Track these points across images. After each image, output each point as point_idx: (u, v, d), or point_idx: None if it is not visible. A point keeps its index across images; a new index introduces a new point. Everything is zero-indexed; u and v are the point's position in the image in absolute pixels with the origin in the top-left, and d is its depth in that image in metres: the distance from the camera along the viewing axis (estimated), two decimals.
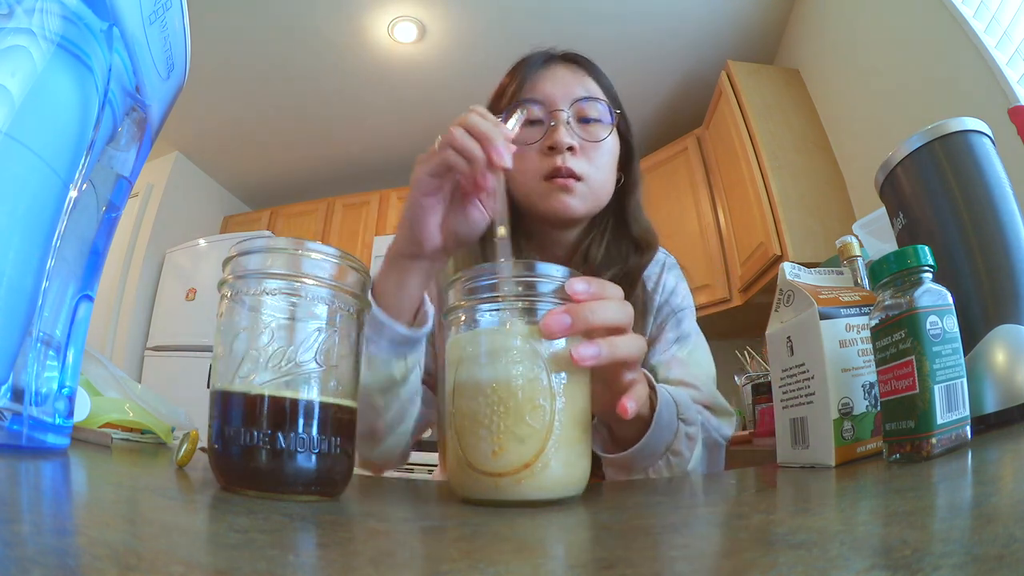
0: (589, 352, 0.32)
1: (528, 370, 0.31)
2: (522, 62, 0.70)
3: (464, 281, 0.34)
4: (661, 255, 0.75)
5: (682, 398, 0.53)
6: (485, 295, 0.33)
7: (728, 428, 0.63)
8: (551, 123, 0.64)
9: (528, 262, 0.34)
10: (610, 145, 0.67)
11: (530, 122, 0.65)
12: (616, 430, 0.49)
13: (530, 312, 0.33)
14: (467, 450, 0.32)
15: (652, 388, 0.47)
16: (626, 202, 0.71)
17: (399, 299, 0.51)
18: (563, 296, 0.33)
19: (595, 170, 0.64)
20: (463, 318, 0.34)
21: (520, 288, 0.33)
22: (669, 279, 0.73)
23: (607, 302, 0.34)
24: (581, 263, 0.68)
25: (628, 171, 0.72)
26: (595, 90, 0.67)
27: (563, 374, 0.32)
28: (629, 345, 0.35)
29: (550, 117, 0.65)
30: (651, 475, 0.51)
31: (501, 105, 0.68)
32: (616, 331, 0.35)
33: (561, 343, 0.32)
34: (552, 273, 0.34)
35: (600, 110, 0.66)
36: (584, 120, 0.65)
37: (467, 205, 0.51)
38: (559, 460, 0.31)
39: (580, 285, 0.33)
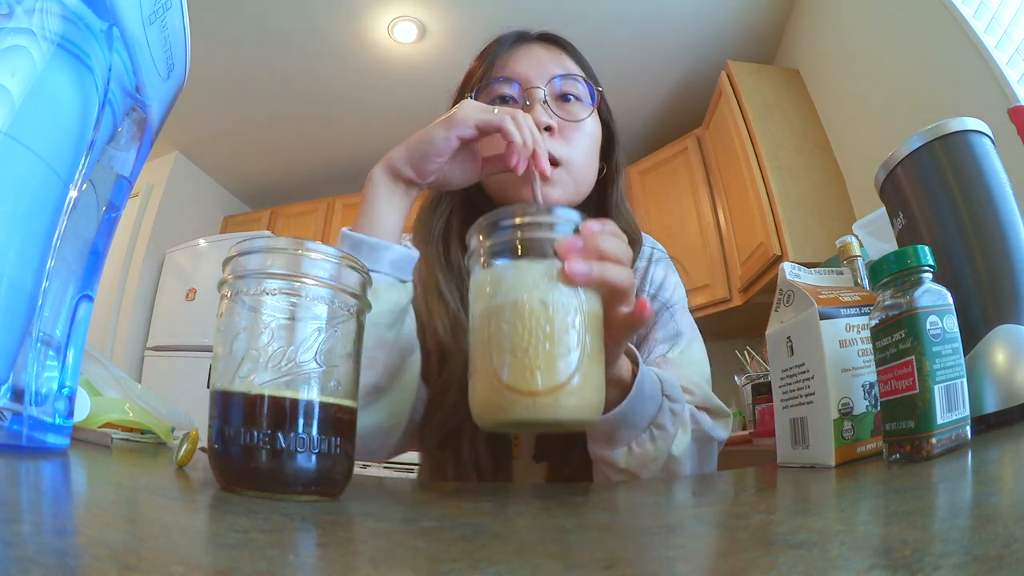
0: (582, 268, 0.34)
1: (563, 295, 0.34)
2: (493, 43, 0.65)
3: (495, 217, 0.37)
4: (647, 248, 0.70)
5: (667, 377, 0.52)
6: (517, 232, 0.36)
7: (723, 431, 0.60)
8: (526, 102, 0.60)
9: (548, 206, 0.38)
10: (591, 128, 0.62)
11: (502, 99, 0.61)
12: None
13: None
14: (505, 369, 0.33)
15: (635, 363, 0.47)
16: (609, 194, 0.67)
17: (388, 223, 0.51)
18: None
19: (575, 154, 0.59)
20: (487, 259, 0.37)
21: (551, 224, 0.37)
22: (657, 272, 0.68)
23: (615, 238, 0.37)
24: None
25: (610, 160, 0.67)
26: (574, 69, 0.63)
27: (589, 301, 0.35)
28: (620, 273, 0.37)
29: (525, 96, 0.60)
30: (635, 449, 0.49)
31: (470, 88, 0.64)
32: (616, 263, 0.37)
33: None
34: (572, 217, 0.37)
35: (580, 89, 0.61)
36: (563, 99, 0.61)
37: (468, 158, 0.52)
38: (589, 380, 0.34)
39: (596, 225, 0.37)
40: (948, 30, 1.43)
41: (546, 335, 0.33)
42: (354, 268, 0.33)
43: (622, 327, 0.39)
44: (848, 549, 0.17)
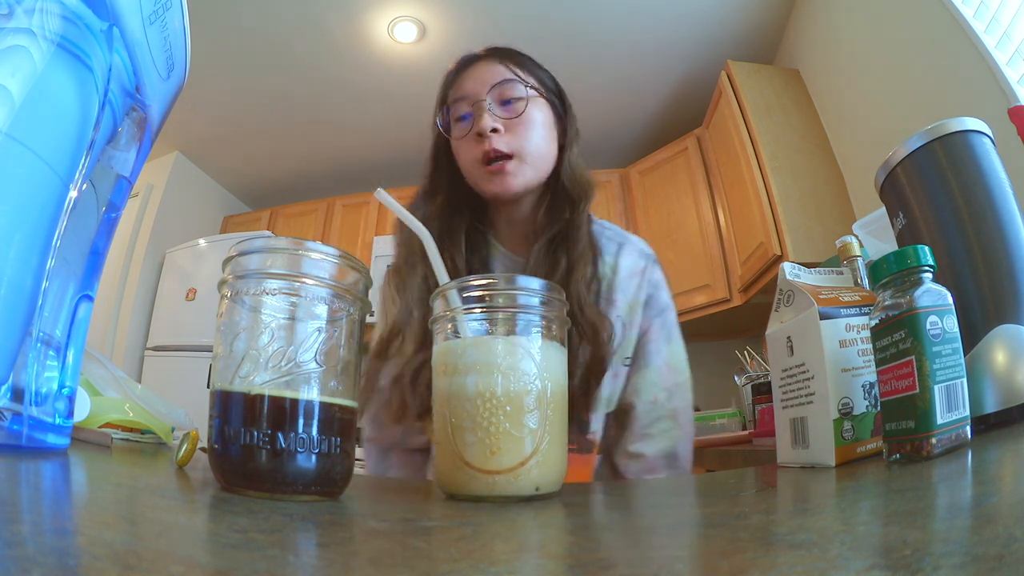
0: None
1: (524, 375, 0.34)
2: (452, 67, 0.77)
3: (455, 291, 0.36)
4: (644, 248, 0.78)
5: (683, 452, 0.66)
6: (477, 304, 0.36)
7: (685, 445, 0.72)
8: (476, 114, 0.69)
9: (511, 276, 0.38)
10: (534, 115, 0.70)
11: (461, 118, 0.72)
12: None
13: (518, 321, 0.36)
14: (464, 447, 0.33)
15: None
16: (561, 158, 0.74)
17: None
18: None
19: (525, 142, 0.69)
20: (453, 327, 0.36)
21: (508, 299, 0.36)
22: (655, 273, 0.76)
23: None
24: (540, 232, 0.72)
25: (563, 130, 0.75)
26: (508, 74, 0.71)
27: (553, 376, 0.35)
28: None
29: (475, 109, 0.70)
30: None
31: (441, 109, 0.75)
32: None
33: (552, 351, 0.35)
34: (532, 286, 0.36)
35: (517, 89, 0.70)
36: (505, 103, 0.70)
37: None
38: (549, 456, 0.34)
39: None
40: (948, 30, 1.42)
41: (506, 415, 0.33)
42: (354, 268, 0.33)
43: None
44: (848, 549, 0.17)
